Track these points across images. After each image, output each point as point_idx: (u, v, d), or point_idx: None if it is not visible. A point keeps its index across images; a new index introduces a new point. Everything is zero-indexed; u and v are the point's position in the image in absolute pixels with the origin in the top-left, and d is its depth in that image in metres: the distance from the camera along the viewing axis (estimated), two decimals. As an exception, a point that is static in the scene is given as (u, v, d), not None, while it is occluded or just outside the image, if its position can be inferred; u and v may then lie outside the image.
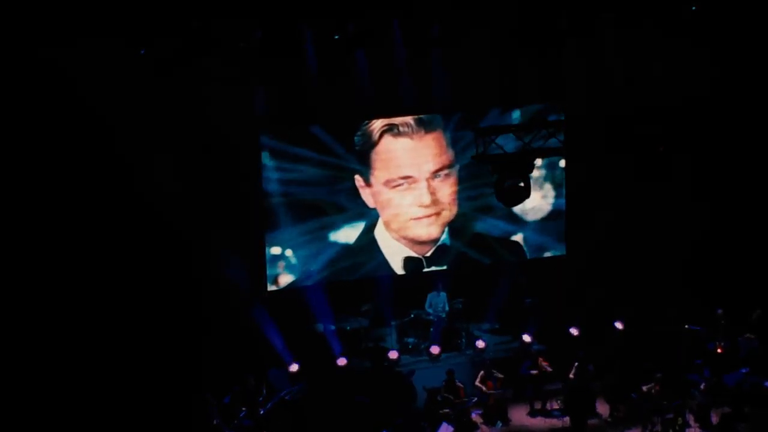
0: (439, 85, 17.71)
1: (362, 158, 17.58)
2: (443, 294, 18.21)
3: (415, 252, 18.14)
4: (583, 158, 18.61)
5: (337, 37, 16.64)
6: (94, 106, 15.68)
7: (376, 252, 17.94)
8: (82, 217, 16.11)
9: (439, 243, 18.20)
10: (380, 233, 17.82)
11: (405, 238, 18.06)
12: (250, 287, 17.53)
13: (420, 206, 17.59)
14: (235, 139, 17.02)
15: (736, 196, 18.71)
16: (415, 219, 17.72)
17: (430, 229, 17.96)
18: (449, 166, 17.66)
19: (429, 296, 18.23)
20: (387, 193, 17.41)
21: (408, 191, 17.67)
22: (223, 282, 17.03)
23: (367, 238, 17.91)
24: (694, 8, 17.63)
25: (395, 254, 18.06)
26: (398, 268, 18.17)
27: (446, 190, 17.97)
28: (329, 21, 16.63)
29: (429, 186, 17.63)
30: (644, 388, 15.68)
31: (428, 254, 18.14)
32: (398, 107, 17.88)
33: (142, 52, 15.65)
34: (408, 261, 17.87)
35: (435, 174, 17.66)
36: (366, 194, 17.56)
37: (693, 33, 17.81)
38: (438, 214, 17.80)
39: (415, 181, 17.69)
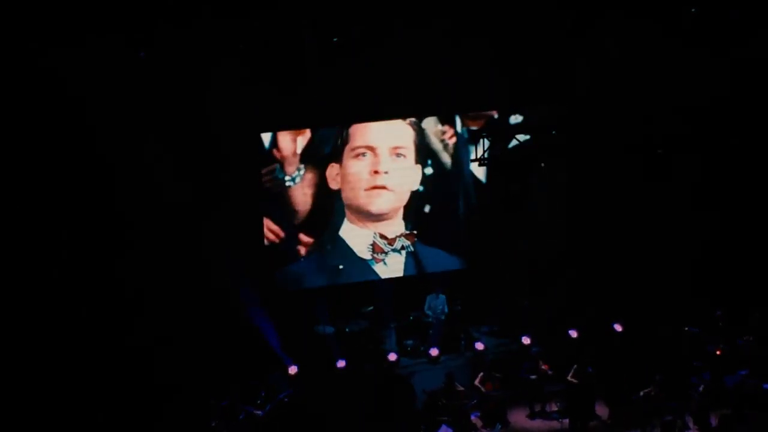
0: (440, 88, 17.71)
1: (343, 137, 17.95)
2: (442, 296, 18.23)
3: (379, 232, 18.36)
4: (584, 160, 18.63)
5: (335, 39, 16.69)
6: (93, 108, 15.77)
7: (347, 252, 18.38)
8: (78, 217, 16.22)
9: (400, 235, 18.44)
10: (345, 229, 18.26)
11: (361, 213, 18.22)
12: (250, 289, 17.54)
13: (375, 173, 17.95)
14: (236, 140, 17.07)
15: (735, 198, 18.70)
16: (368, 189, 18.09)
17: (380, 202, 18.25)
18: (409, 149, 18.06)
19: (428, 298, 18.25)
20: (350, 164, 17.84)
21: (367, 160, 18.02)
22: (223, 284, 17.05)
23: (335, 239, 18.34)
24: (693, 10, 17.67)
25: (364, 244, 18.43)
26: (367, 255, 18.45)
27: (401, 166, 18.21)
28: (330, 23, 16.67)
29: (387, 158, 18.02)
30: (644, 391, 15.70)
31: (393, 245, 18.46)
32: (399, 109, 17.94)
33: (142, 55, 15.70)
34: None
35: (396, 152, 18.02)
36: (333, 177, 17.87)
37: (693, 35, 17.85)
38: (389, 189, 18.14)
39: (375, 153, 18.04)
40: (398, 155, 18.10)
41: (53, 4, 15.05)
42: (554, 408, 16.52)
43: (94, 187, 16.27)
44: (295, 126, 17.73)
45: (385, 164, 17.95)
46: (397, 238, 18.53)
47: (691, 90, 18.15)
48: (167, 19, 15.66)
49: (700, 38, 17.85)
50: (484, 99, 18.32)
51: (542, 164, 18.30)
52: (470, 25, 17.27)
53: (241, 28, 16.27)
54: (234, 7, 16.04)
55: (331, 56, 16.96)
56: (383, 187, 18.11)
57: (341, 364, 17.19)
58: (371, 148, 17.99)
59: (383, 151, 17.99)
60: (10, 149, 15.65)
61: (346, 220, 18.27)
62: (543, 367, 16.73)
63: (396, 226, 18.57)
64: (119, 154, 16.23)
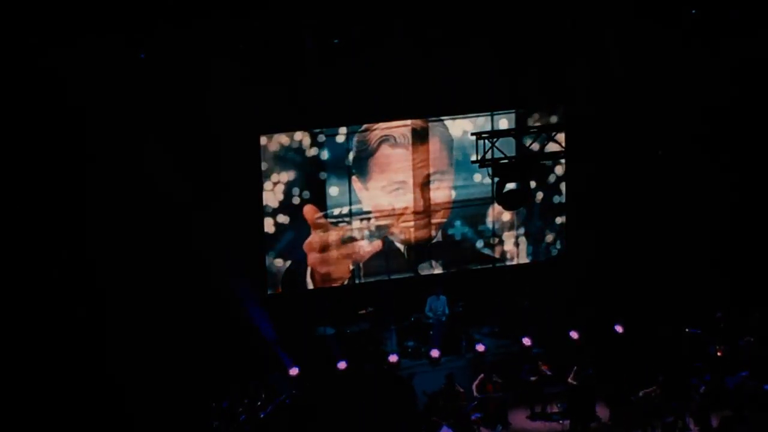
0: (440, 89, 17.68)
1: (359, 163, 17.68)
2: (443, 297, 18.18)
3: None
4: (584, 160, 18.61)
5: (336, 41, 16.66)
6: (93, 108, 15.74)
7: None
8: (78, 218, 16.17)
9: (434, 240, 18.41)
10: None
11: (397, 239, 18.20)
12: (250, 290, 17.51)
13: (412, 212, 17.95)
14: (235, 141, 17.03)
15: (735, 198, 18.70)
16: (407, 221, 17.97)
17: (422, 232, 18.21)
18: (442, 172, 17.88)
19: (429, 300, 18.20)
20: (382, 198, 17.70)
21: (401, 197, 17.93)
22: (222, 285, 17.02)
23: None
24: (693, 11, 17.67)
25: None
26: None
27: (440, 194, 18.14)
28: (330, 23, 16.64)
29: (422, 192, 17.88)
30: (644, 392, 15.70)
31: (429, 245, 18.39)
32: (398, 111, 17.89)
33: (143, 56, 15.67)
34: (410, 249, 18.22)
35: (428, 180, 17.81)
36: (363, 196, 17.76)
37: (693, 36, 17.84)
38: (429, 217, 18.05)
39: (408, 188, 17.94)
40: (431, 182, 17.91)
41: (53, 4, 15.00)
42: (555, 409, 16.51)
43: (94, 187, 16.23)
44: (295, 127, 17.68)
45: (420, 200, 17.84)
46: None
47: (691, 90, 18.15)
48: (167, 19, 15.62)
49: (699, 38, 17.86)
50: (484, 99, 18.27)
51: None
52: (470, 25, 17.25)
53: (241, 28, 16.23)
54: (234, 7, 16.00)
55: (331, 56, 16.91)
56: (424, 218, 18.08)
57: (342, 365, 17.17)
58: (402, 183, 17.83)
59: (416, 186, 17.81)
60: (10, 149, 15.61)
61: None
62: (543, 368, 16.73)
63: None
64: (119, 154, 16.20)
